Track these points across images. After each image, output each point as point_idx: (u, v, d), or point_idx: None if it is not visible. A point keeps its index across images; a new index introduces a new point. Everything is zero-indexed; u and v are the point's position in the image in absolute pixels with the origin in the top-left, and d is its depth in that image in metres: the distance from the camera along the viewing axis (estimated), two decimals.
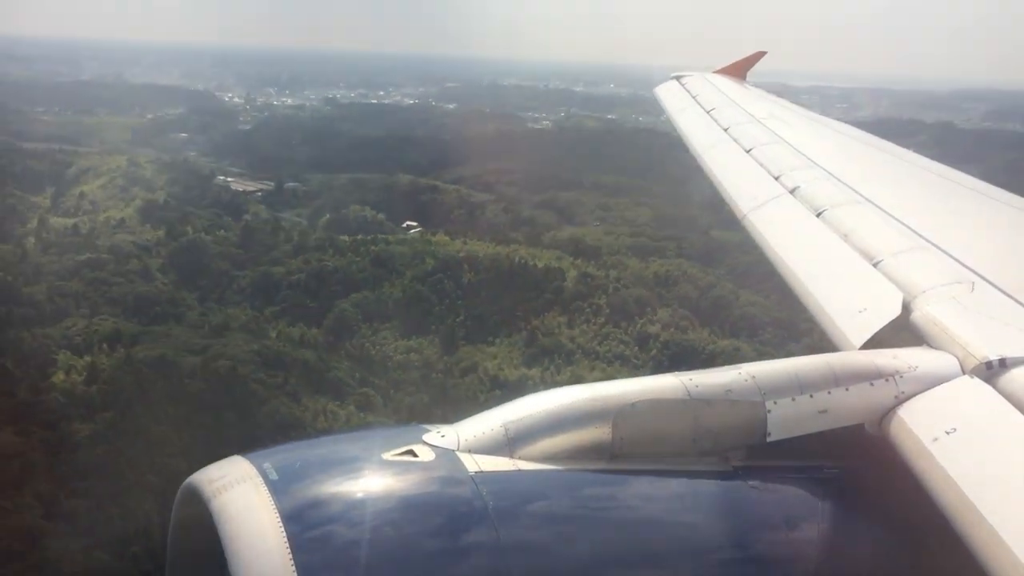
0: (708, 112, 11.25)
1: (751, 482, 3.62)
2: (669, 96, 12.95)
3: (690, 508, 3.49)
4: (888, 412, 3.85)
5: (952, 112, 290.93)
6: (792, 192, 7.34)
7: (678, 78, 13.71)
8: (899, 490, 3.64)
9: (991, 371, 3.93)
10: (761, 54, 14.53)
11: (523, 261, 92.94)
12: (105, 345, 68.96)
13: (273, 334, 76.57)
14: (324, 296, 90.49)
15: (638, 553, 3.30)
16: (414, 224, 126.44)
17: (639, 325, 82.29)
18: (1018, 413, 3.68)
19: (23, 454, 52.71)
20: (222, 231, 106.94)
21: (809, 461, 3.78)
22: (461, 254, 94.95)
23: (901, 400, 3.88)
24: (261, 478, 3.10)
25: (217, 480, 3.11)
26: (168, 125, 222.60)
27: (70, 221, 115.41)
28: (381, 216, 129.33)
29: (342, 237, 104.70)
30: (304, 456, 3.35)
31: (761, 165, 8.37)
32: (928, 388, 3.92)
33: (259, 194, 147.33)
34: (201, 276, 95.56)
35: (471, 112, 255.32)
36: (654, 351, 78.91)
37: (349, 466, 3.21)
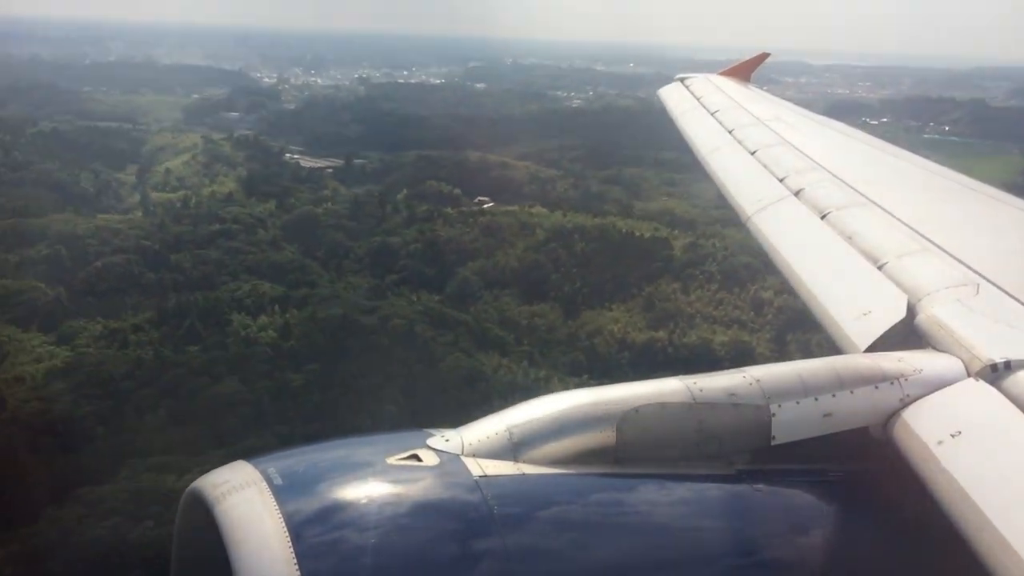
0: (713, 114, 11.17)
1: (756, 486, 3.60)
2: (673, 98, 12.84)
3: (695, 512, 3.48)
4: (893, 415, 3.83)
5: (975, 90, 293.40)
6: (797, 194, 7.32)
7: (682, 80, 13.56)
8: (904, 494, 3.62)
9: (996, 374, 3.90)
10: (765, 55, 14.41)
11: (630, 231, 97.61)
12: (276, 307, 73.82)
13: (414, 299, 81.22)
14: (441, 264, 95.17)
15: (643, 558, 3.29)
16: (485, 199, 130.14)
17: (751, 291, 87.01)
18: (1023, 416, 3.65)
19: (250, 402, 57.78)
20: (327, 204, 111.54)
21: (814, 465, 3.77)
22: (569, 225, 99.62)
23: (906, 403, 3.86)
24: (266, 483, 3.10)
25: (221, 485, 3.11)
26: (216, 105, 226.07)
27: (172, 195, 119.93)
28: (457, 191, 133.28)
29: (447, 209, 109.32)
30: (308, 461, 3.34)
31: (766, 167, 8.34)
32: (933, 391, 3.90)
33: (329, 171, 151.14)
34: (317, 246, 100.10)
35: (504, 91, 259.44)
36: (769, 315, 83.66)
37: (353, 471, 3.22)
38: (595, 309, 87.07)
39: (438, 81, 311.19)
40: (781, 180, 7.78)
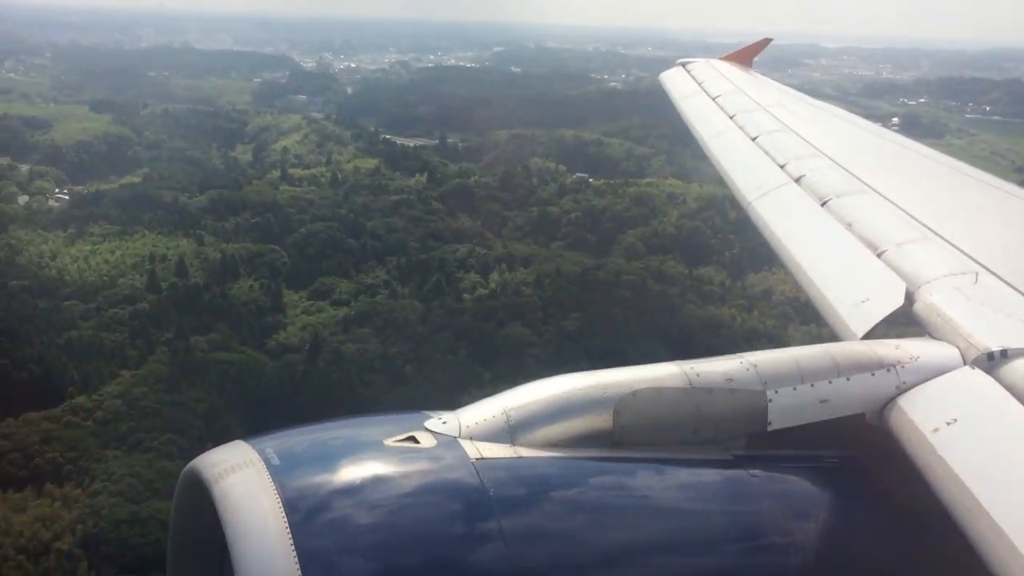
0: (714, 99, 11.14)
1: (752, 471, 3.62)
2: (675, 83, 12.76)
3: (691, 497, 3.51)
4: (889, 402, 3.85)
5: (994, 71, 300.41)
6: (797, 181, 7.28)
7: (684, 65, 13.50)
8: (899, 480, 3.65)
9: (993, 362, 3.93)
10: (767, 41, 14.36)
11: None
12: (503, 265, 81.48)
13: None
14: (600, 231, 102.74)
15: (639, 541, 3.32)
16: (584, 175, 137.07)
17: None
18: (1019, 404, 3.69)
19: (539, 344, 65.50)
20: (475, 176, 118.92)
21: (810, 450, 3.79)
22: (719, 194, 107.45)
23: (902, 390, 3.87)
24: (263, 463, 3.12)
25: (219, 465, 3.14)
26: (281, 88, 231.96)
27: (312, 171, 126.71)
28: (562, 167, 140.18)
29: (592, 180, 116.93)
30: (306, 442, 3.37)
31: (767, 153, 8.31)
32: (929, 378, 3.92)
33: (426, 149, 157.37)
34: (475, 216, 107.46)
35: (547, 73, 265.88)
36: None
37: (351, 452, 3.24)
38: (759, 272, 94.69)
39: (472, 65, 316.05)
40: (782, 166, 7.71)
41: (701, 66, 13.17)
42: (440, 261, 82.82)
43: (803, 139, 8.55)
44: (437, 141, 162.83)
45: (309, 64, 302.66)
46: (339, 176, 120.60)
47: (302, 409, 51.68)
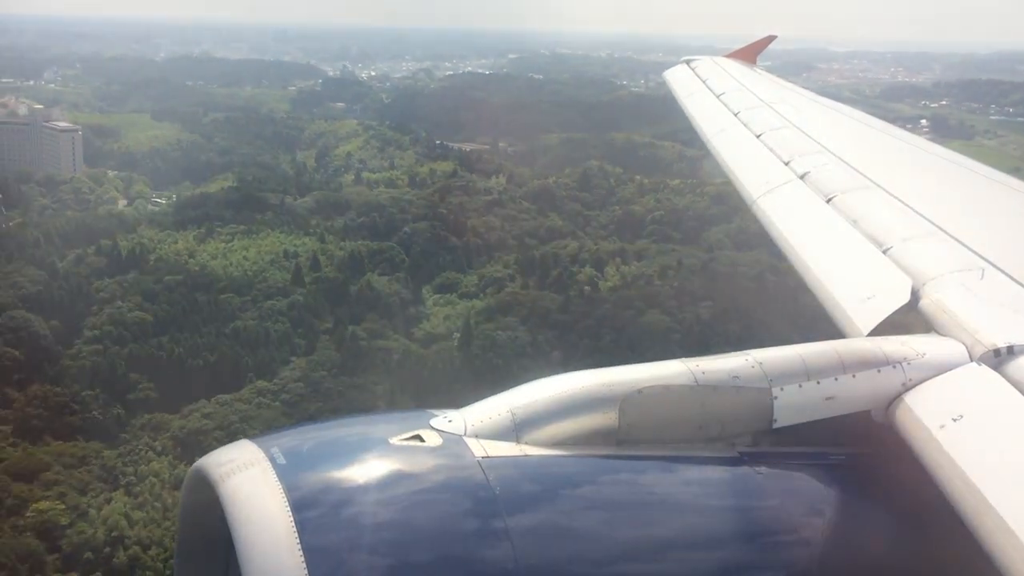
0: (718, 97, 11.10)
1: (757, 468, 3.61)
2: (679, 80, 12.70)
3: (697, 494, 3.51)
4: (895, 399, 3.84)
5: (1009, 73, 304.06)
6: (802, 177, 7.23)
7: (688, 62, 13.44)
8: (905, 477, 3.65)
9: (999, 358, 3.92)
10: (771, 38, 14.30)
11: None
12: (618, 259, 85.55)
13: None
14: (684, 228, 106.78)
15: (645, 539, 3.32)
16: (638, 176, 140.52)
17: None
18: None
19: (678, 329, 69.51)
20: (552, 177, 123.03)
21: (815, 448, 3.79)
22: None
23: (908, 387, 3.86)
24: (269, 462, 3.12)
25: (225, 464, 3.14)
26: (318, 96, 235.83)
27: (388, 174, 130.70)
28: (618, 169, 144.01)
29: (669, 180, 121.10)
30: (312, 440, 3.37)
31: (771, 150, 8.21)
32: (935, 375, 3.90)
33: (484, 153, 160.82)
34: (559, 214, 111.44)
35: (571, 79, 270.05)
36: None
37: (356, 451, 3.24)
38: None
39: (493, 72, 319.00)
40: (787, 163, 7.67)
41: (705, 63, 13.08)
42: (554, 256, 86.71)
43: (807, 136, 8.49)
44: (488, 145, 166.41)
45: (333, 72, 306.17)
46: (416, 178, 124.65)
47: (465, 392, 55.36)
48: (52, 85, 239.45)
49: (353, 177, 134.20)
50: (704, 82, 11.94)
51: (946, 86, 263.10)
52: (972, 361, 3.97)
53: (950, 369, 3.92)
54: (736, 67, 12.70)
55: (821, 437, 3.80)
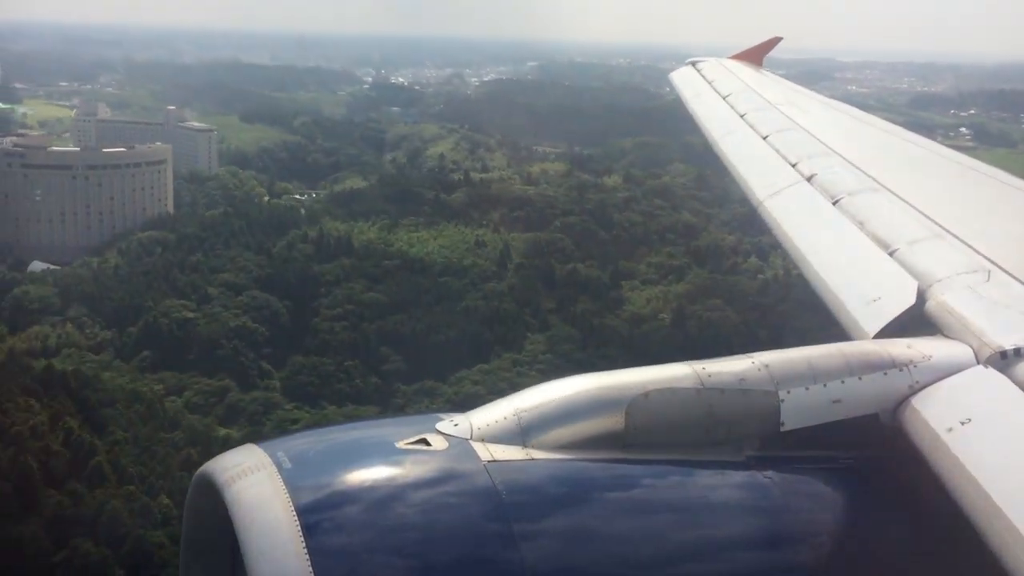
0: (724, 98, 10.92)
1: (765, 472, 3.58)
2: (685, 82, 12.47)
3: (704, 498, 3.47)
4: (902, 402, 3.81)
5: (1021, 83, 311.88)
6: (809, 179, 7.18)
7: (694, 64, 13.27)
8: (913, 481, 3.64)
9: (1006, 361, 3.89)
10: (777, 39, 14.28)
11: None
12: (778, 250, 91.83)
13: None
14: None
15: (652, 543, 3.29)
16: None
17: None
18: None
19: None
20: (668, 176, 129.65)
21: (823, 451, 3.76)
22: None
23: (915, 390, 3.83)
24: (275, 467, 3.12)
25: (231, 468, 3.13)
26: (373, 100, 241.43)
27: (496, 173, 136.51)
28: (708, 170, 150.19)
29: None
30: (318, 445, 3.37)
31: (778, 152, 8.16)
32: (942, 378, 3.87)
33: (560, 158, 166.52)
34: (688, 211, 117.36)
35: (603, 86, 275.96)
36: None
37: (362, 455, 3.25)
38: None
39: (507, 78, 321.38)
40: (793, 165, 7.56)
41: (711, 65, 13.03)
42: (716, 246, 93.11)
43: (815, 137, 8.45)
44: (561, 148, 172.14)
45: (367, 77, 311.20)
46: (530, 177, 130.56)
47: None
48: (109, 89, 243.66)
49: (461, 176, 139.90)
50: (710, 83, 11.88)
51: (971, 96, 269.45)
52: (979, 364, 3.94)
53: (957, 372, 3.90)
54: (742, 69, 12.66)
55: (828, 440, 3.77)
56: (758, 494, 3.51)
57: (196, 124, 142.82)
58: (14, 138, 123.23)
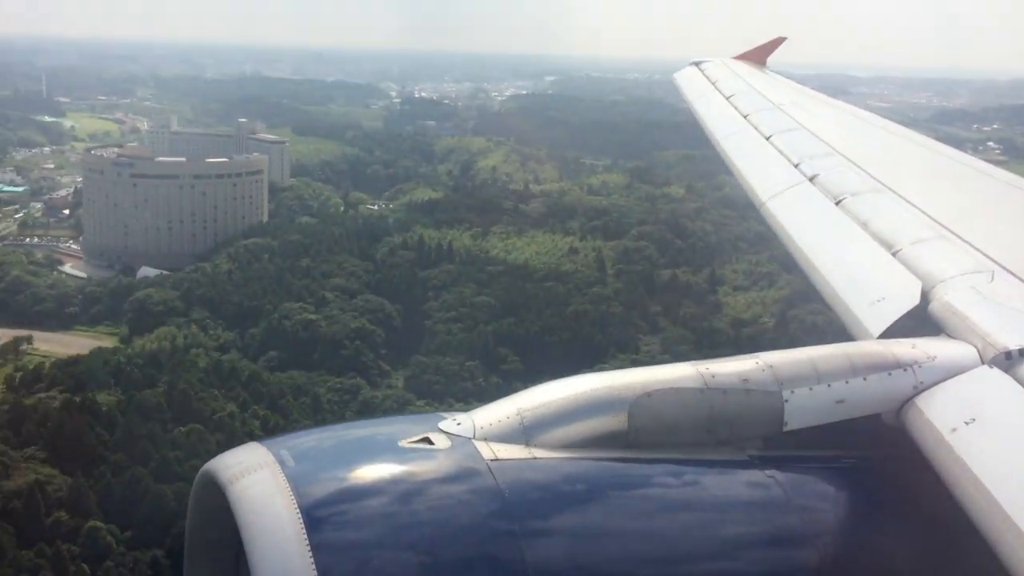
0: (728, 99, 10.85)
1: (768, 472, 3.56)
2: (689, 83, 12.44)
3: (707, 498, 3.47)
4: (906, 402, 3.79)
5: None
6: (812, 180, 7.16)
7: (697, 64, 13.10)
8: (917, 481, 3.62)
9: (1011, 361, 3.87)
10: (781, 39, 14.03)
11: None
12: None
13: None
14: None
15: (655, 542, 3.29)
16: None
17: None
18: None
19: None
20: (729, 188, 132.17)
21: (826, 451, 3.76)
22: None
23: (919, 390, 3.81)
24: (279, 465, 3.12)
25: (235, 467, 3.14)
26: (409, 114, 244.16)
27: (555, 185, 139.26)
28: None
29: None
30: (321, 443, 3.41)
31: (781, 152, 8.12)
32: (947, 378, 3.85)
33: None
34: (756, 220, 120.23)
35: (630, 100, 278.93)
36: None
37: (366, 454, 3.25)
38: None
39: (526, 92, 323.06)
40: (796, 165, 7.54)
41: (715, 65, 12.96)
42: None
43: (818, 138, 8.42)
44: (608, 160, 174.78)
45: (393, 92, 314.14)
46: (592, 188, 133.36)
47: None
48: (147, 102, 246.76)
49: (520, 187, 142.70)
50: (714, 84, 11.82)
51: (994, 110, 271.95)
52: (983, 364, 3.90)
53: (961, 372, 3.86)
54: (746, 69, 12.58)
55: (832, 441, 3.75)
56: (761, 494, 3.50)
57: (268, 136, 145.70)
58: (116, 149, 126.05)
